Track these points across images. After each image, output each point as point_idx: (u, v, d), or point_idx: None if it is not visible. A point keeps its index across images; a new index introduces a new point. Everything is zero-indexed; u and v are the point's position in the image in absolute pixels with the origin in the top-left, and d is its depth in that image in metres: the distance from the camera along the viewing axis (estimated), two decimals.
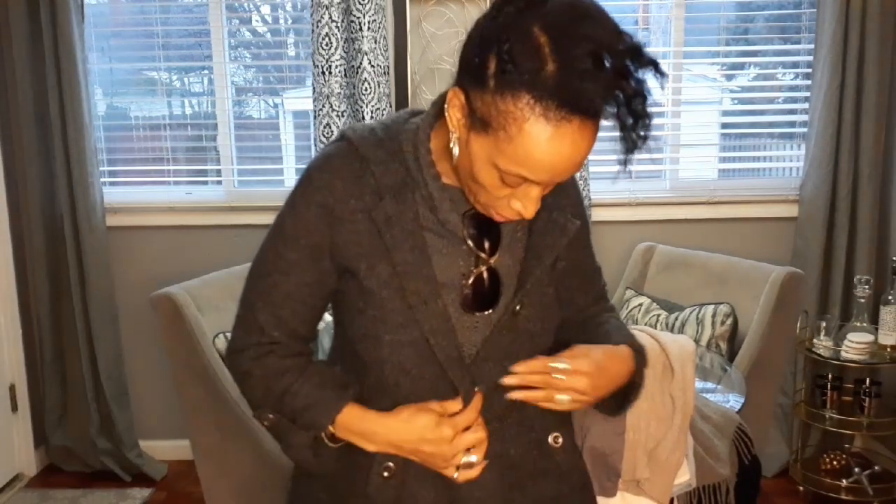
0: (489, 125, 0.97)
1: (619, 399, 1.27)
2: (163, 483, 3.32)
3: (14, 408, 3.31)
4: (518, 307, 1.17)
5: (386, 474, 1.18)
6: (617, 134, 0.98)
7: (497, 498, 1.21)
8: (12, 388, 3.30)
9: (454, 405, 1.14)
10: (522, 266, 1.19)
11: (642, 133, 0.98)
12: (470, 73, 0.99)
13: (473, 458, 1.14)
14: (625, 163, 1.00)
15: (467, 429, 1.14)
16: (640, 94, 0.96)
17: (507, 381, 1.13)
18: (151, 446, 3.44)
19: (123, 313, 3.34)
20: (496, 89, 0.95)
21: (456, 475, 1.15)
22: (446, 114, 1.05)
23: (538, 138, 0.95)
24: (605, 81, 0.93)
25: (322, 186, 1.13)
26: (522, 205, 1.04)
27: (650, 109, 0.97)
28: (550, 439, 1.27)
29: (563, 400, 1.14)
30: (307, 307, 1.19)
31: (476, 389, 1.15)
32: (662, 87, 0.99)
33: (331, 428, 1.16)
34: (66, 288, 3.25)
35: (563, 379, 1.13)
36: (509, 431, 1.22)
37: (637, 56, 0.96)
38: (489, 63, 0.96)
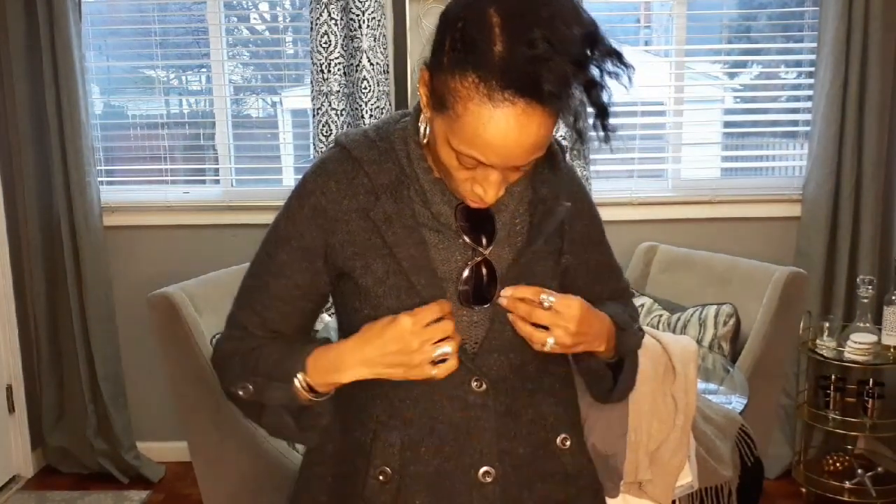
0: (444, 104, 0.98)
1: (611, 381, 1.28)
2: (160, 485, 3.30)
3: (11, 409, 3.30)
4: None
5: (381, 478, 1.16)
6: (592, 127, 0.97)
7: (502, 499, 1.18)
8: (9, 389, 3.28)
9: (426, 310, 1.06)
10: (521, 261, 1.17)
11: (600, 125, 0.97)
12: (432, 52, 1.01)
13: (446, 348, 1.05)
14: (579, 153, 1.03)
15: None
16: (597, 83, 0.94)
17: (501, 300, 1.09)
18: (149, 448, 3.42)
19: (121, 313, 3.33)
20: (448, 68, 0.96)
21: (434, 372, 1.06)
22: (419, 93, 1.05)
23: (482, 118, 0.95)
24: (554, 67, 0.91)
25: (315, 189, 1.14)
26: (483, 189, 1.04)
27: (609, 101, 0.96)
28: (559, 441, 1.24)
29: (548, 342, 1.10)
30: (296, 309, 1.18)
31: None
32: (630, 79, 0.96)
33: (304, 376, 1.10)
34: (63, 288, 3.23)
35: (546, 314, 1.09)
36: (521, 430, 1.20)
37: (595, 44, 0.94)
38: (445, 42, 0.97)
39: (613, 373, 1.28)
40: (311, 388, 1.11)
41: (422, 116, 1.07)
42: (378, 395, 1.16)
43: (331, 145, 1.20)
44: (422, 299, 1.09)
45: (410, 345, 1.04)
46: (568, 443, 1.25)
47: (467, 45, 0.94)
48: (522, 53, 0.91)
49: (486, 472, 1.16)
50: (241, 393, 1.15)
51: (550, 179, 1.19)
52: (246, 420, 2.22)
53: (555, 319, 1.09)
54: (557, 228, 1.19)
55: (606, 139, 0.98)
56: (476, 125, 0.95)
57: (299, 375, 1.11)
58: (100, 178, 3.29)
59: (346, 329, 1.18)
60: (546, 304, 1.09)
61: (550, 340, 1.09)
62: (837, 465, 3.13)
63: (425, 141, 1.09)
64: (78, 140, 3.10)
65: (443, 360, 1.06)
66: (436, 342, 1.05)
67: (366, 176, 1.13)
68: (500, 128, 0.95)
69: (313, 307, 1.20)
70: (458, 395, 1.15)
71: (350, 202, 1.13)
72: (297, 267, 1.16)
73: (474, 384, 1.15)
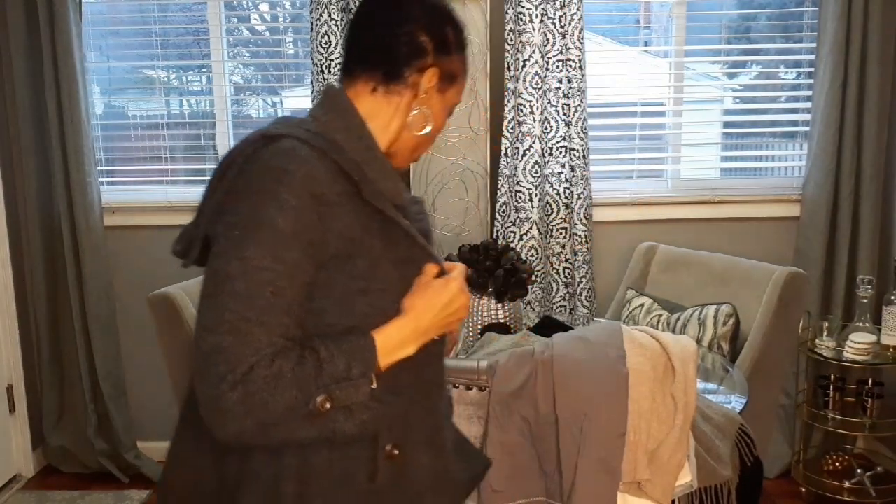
0: (456, 77, 1.30)
1: None
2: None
3: (12, 409, 3.30)
4: None
5: (395, 452, 1.19)
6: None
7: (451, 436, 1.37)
8: (10, 389, 3.29)
9: (433, 268, 1.22)
10: None
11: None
12: (436, 48, 1.25)
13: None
14: None
15: None
16: None
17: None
18: (149, 447, 3.43)
19: (121, 313, 3.33)
20: (455, 51, 1.29)
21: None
22: (423, 94, 1.25)
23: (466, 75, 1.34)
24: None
25: (306, 176, 1.09)
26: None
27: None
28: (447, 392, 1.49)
29: None
30: (303, 309, 1.11)
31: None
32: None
33: (378, 364, 1.14)
34: (64, 288, 3.23)
35: None
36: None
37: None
38: (447, 34, 1.27)
39: None
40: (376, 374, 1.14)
41: (425, 113, 1.26)
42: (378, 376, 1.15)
43: (261, 139, 1.15)
44: (417, 267, 1.20)
45: (466, 301, 1.23)
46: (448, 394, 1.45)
47: (459, 38, 1.30)
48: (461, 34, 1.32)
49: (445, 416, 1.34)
50: (326, 406, 1.08)
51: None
52: None
53: None
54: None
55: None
56: (465, 80, 1.32)
57: (378, 364, 1.13)
58: (100, 178, 3.30)
59: (342, 317, 1.14)
60: None
61: None
62: (837, 464, 3.13)
63: (423, 131, 1.27)
64: (79, 140, 3.11)
65: None
66: None
67: (334, 163, 1.14)
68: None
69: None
70: (429, 351, 1.23)
71: (337, 185, 1.12)
72: (307, 263, 1.10)
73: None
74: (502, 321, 2.37)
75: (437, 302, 1.19)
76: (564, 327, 2.41)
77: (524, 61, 3.00)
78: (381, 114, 1.24)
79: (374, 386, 1.13)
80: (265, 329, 1.06)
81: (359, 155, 1.18)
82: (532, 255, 3.10)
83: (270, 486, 1.16)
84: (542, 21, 2.98)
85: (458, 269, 1.25)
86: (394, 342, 1.16)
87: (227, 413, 1.05)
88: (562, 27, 2.99)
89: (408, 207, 1.28)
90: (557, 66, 3.01)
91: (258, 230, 1.07)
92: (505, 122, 3.08)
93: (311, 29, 3.00)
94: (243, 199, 1.10)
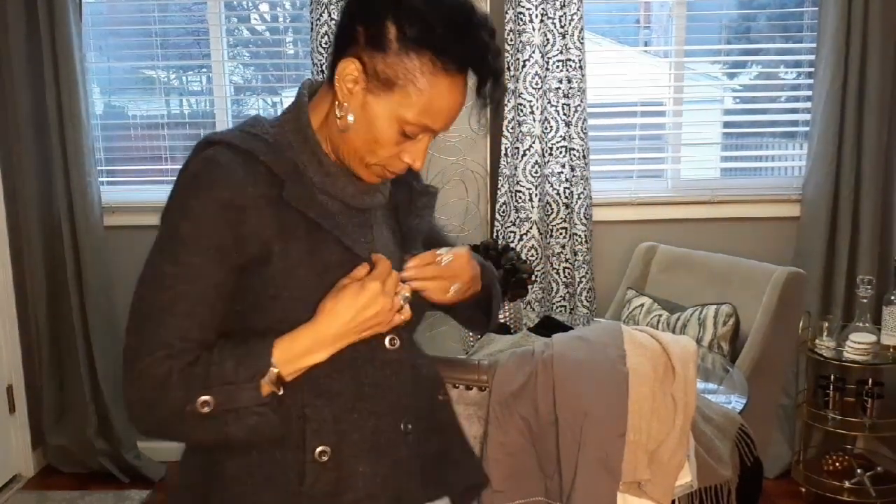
0: (394, 83, 1.11)
1: (486, 310, 1.43)
2: (161, 484, 3.30)
3: (12, 409, 3.30)
4: None
5: (323, 458, 1.16)
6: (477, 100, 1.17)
7: (416, 450, 1.29)
8: (10, 389, 3.29)
9: (361, 270, 1.16)
10: (404, 235, 1.30)
11: (500, 88, 1.16)
12: (367, 40, 1.12)
13: (406, 294, 1.17)
14: (479, 119, 1.19)
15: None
16: (499, 51, 1.15)
17: (407, 275, 1.19)
18: (149, 447, 3.43)
19: (121, 313, 3.32)
20: (400, 50, 1.10)
21: (402, 318, 1.18)
22: (337, 86, 1.13)
23: (441, 89, 1.11)
24: (482, 39, 1.12)
25: (215, 184, 1.10)
26: (412, 157, 1.18)
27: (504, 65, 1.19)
28: (440, 396, 1.38)
29: (452, 288, 1.24)
30: (215, 313, 1.13)
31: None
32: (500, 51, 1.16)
33: (274, 369, 1.11)
34: (64, 288, 3.23)
35: (445, 269, 1.23)
36: (419, 384, 1.31)
37: (481, 13, 1.13)
38: (387, 29, 1.10)
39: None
40: (277, 381, 1.12)
41: (342, 109, 1.14)
42: (303, 380, 1.15)
43: (198, 147, 1.16)
44: (346, 271, 1.15)
45: (386, 304, 1.13)
46: (443, 398, 1.39)
47: (417, 29, 1.09)
48: (460, 31, 1.10)
49: (407, 423, 1.26)
50: (204, 409, 1.08)
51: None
52: None
53: (454, 270, 1.24)
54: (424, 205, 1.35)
55: (500, 103, 1.19)
56: (436, 95, 1.11)
57: (272, 370, 1.10)
58: (101, 179, 3.30)
59: (257, 321, 1.15)
60: (444, 262, 1.23)
61: (455, 286, 1.24)
62: (837, 464, 3.13)
63: (343, 128, 1.15)
64: (79, 140, 3.11)
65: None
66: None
67: (261, 165, 1.13)
68: (453, 96, 1.13)
69: (224, 308, 1.14)
70: (376, 356, 1.21)
71: (254, 189, 1.11)
72: (213, 267, 1.11)
73: (388, 342, 1.22)
74: (502, 321, 2.37)
75: (346, 308, 1.12)
76: (564, 327, 2.42)
77: (524, 61, 3.00)
78: (322, 110, 1.20)
79: (277, 391, 1.11)
80: (161, 331, 1.10)
81: (304, 155, 1.17)
82: (532, 255, 3.10)
83: (198, 482, 1.21)
84: (542, 21, 2.98)
85: (379, 269, 1.14)
86: (297, 349, 1.12)
87: (129, 408, 1.12)
88: (562, 27, 2.99)
89: (377, 206, 1.27)
90: (557, 66, 3.01)
91: (166, 237, 1.13)
92: (505, 122, 3.08)
93: (311, 29, 3.00)
94: (166, 209, 1.15)
